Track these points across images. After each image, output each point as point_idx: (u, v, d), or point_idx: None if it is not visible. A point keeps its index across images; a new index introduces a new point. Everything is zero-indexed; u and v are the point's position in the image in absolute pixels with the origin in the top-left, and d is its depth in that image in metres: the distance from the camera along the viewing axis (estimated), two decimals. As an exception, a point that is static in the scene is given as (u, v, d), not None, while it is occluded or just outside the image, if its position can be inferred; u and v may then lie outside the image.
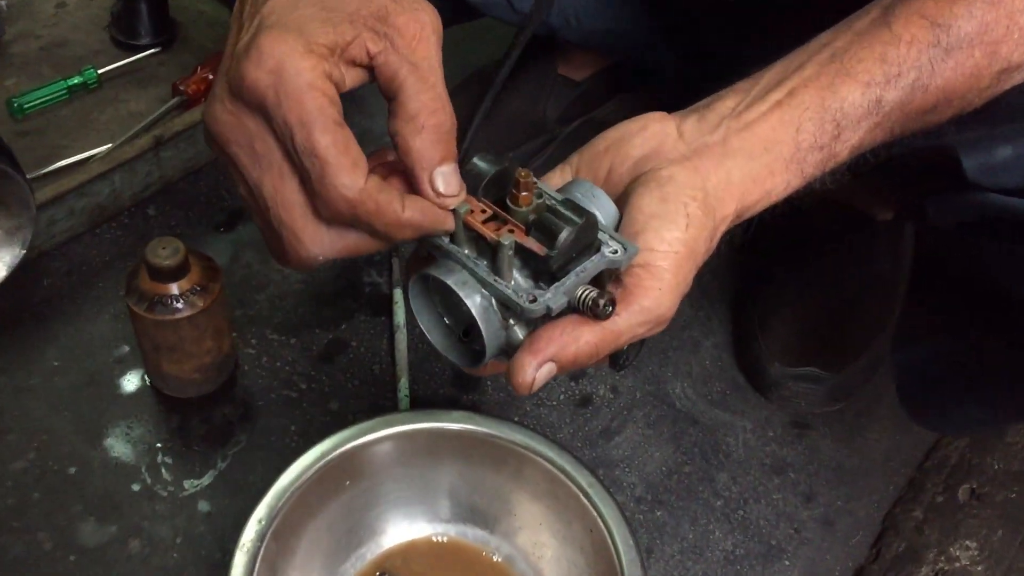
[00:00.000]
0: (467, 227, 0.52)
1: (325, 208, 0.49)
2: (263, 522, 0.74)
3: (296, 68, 0.47)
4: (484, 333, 0.50)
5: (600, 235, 0.52)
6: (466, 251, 0.52)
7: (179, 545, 0.87)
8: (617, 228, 0.54)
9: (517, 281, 0.52)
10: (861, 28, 0.58)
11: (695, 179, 0.54)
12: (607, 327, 0.51)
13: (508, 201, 0.52)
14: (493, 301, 0.51)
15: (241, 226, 1.10)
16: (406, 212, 0.50)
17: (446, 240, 0.52)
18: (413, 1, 0.50)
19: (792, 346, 1.01)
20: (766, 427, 1.01)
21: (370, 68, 0.50)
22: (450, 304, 0.54)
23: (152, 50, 1.17)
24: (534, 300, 0.50)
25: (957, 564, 0.90)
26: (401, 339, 1.01)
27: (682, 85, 1.05)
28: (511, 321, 0.52)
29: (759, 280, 1.09)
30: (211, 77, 1.10)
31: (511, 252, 0.50)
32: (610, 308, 0.50)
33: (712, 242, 0.55)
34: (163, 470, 0.91)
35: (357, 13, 0.49)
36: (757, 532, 0.94)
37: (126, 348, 0.98)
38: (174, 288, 0.85)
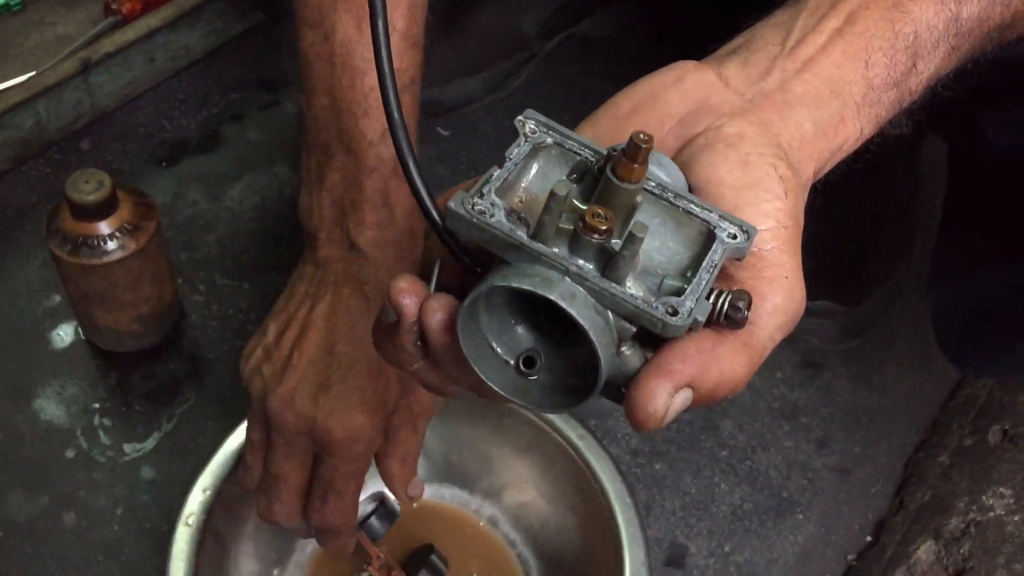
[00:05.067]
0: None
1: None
2: (208, 491, 0.72)
3: (368, 436, 0.65)
4: (603, 364, 0.38)
5: (706, 214, 0.40)
6: (555, 248, 0.38)
7: (120, 517, 0.83)
8: None
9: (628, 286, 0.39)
10: None
11: (768, 136, 0.44)
12: (751, 344, 0.41)
13: (611, 173, 0.39)
14: (610, 317, 0.39)
15: (186, 160, 1.05)
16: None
17: (523, 234, 0.38)
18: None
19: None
20: (774, 368, 0.97)
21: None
22: (507, 326, 0.41)
23: (81, -34, 1.10)
24: (674, 312, 0.38)
25: (991, 514, 0.85)
26: (366, 280, 0.94)
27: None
28: (623, 346, 0.40)
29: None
30: (149, -7, 1.01)
31: (642, 241, 0.37)
32: (747, 312, 0.39)
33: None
34: (101, 433, 0.87)
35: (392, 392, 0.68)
36: (767, 484, 0.90)
37: (57, 298, 0.94)
38: (101, 227, 0.80)
